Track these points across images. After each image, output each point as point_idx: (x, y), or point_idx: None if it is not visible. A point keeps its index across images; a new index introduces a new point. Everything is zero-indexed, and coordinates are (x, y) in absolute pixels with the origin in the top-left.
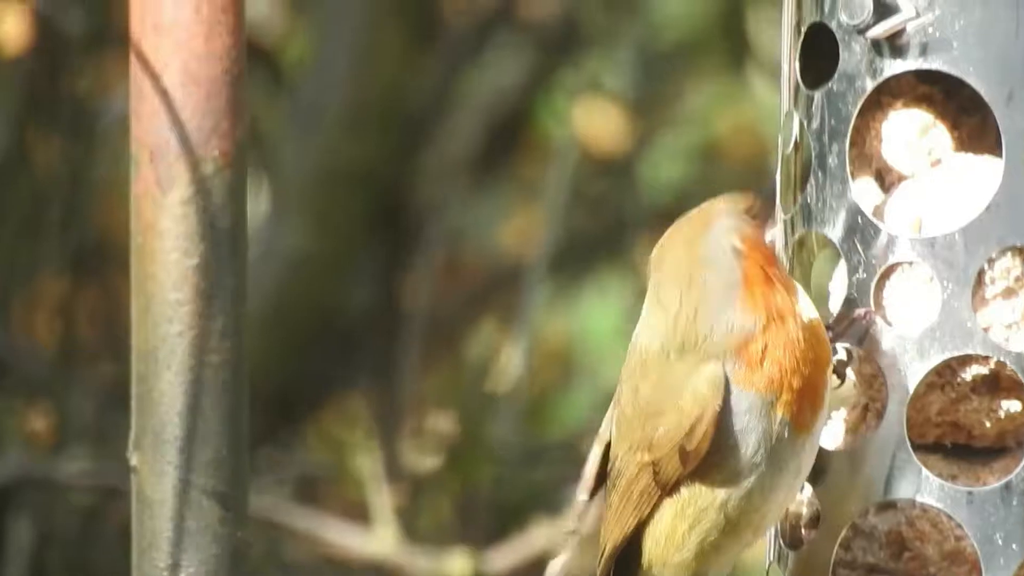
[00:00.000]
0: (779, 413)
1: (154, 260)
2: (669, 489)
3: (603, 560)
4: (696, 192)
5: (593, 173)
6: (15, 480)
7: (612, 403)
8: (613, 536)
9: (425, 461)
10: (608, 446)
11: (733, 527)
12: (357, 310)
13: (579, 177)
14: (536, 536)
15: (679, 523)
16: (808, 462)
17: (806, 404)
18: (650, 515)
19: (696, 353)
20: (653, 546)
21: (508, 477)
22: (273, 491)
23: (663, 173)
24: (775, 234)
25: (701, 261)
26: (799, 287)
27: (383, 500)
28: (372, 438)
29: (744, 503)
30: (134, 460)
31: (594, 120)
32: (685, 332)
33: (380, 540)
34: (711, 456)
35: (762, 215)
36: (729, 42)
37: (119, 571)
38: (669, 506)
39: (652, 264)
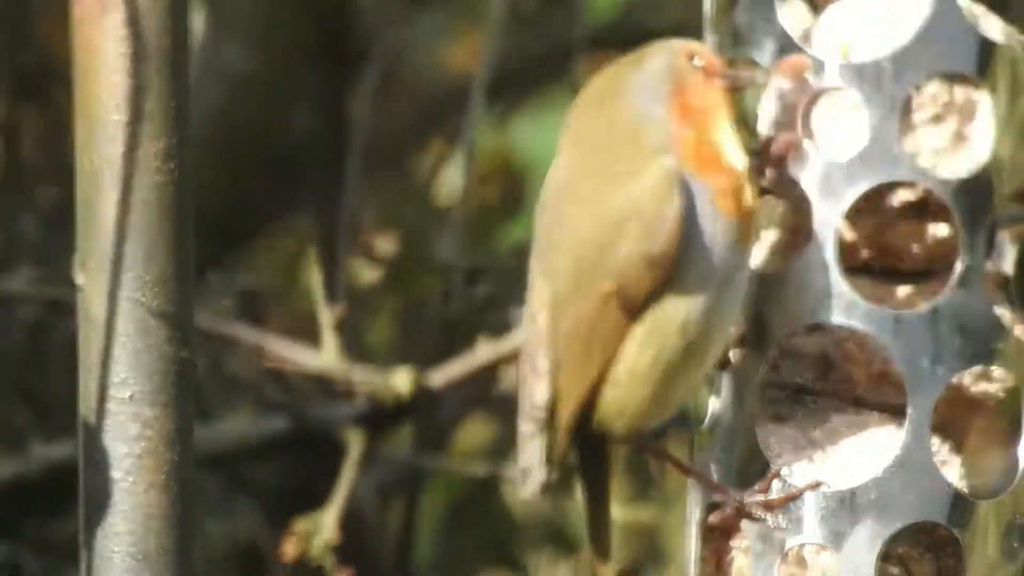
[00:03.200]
0: (723, 217)
1: (96, 81)
2: (636, 314)
3: (564, 431)
4: (639, 12)
5: None
6: None
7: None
8: (576, 394)
9: (370, 278)
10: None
11: (687, 355)
12: (300, 131)
13: None
14: (480, 353)
15: (642, 355)
16: (746, 280)
17: (743, 211)
18: (612, 357)
19: (637, 155)
20: (612, 392)
21: (453, 294)
22: (217, 308)
23: None
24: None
25: (626, 86)
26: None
27: (328, 316)
28: (316, 256)
29: (703, 323)
30: (80, 280)
31: None
32: (619, 143)
33: (325, 355)
34: (675, 264)
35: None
36: None
37: (64, 391)
38: (633, 338)
39: (572, 111)
